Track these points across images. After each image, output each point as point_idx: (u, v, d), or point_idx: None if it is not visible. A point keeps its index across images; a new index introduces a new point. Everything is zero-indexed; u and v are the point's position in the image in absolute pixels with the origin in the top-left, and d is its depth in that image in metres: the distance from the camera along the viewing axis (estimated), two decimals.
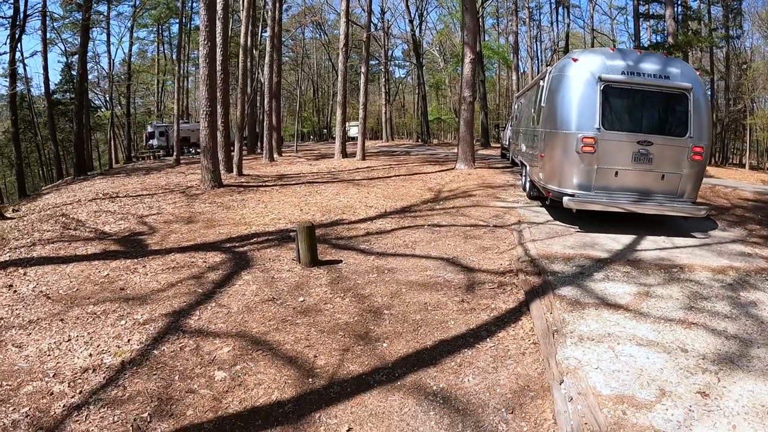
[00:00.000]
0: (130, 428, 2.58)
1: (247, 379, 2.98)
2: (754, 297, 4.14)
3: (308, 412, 2.65)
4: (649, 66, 6.22)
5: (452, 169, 14.17)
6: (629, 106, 6.21)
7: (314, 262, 5.16)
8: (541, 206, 7.98)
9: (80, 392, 2.94)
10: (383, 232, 6.66)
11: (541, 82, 7.88)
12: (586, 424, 2.47)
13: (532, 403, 2.68)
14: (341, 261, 5.35)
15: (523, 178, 9.89)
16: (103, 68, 35.59)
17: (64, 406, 2.81)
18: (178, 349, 3.40)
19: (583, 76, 6.20)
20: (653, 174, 6.17)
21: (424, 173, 13.60)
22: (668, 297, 4.15)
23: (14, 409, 2.77)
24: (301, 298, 4.30)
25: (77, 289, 4.71)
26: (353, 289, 4.50)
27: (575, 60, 6.43)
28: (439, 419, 2.56)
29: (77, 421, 2.67)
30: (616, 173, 6.17)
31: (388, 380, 2.94)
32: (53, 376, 3.14)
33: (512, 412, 2.61)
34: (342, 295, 4.37)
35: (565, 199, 6.11)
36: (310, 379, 2.98)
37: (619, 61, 6.24)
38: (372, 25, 25.70)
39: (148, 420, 2.64)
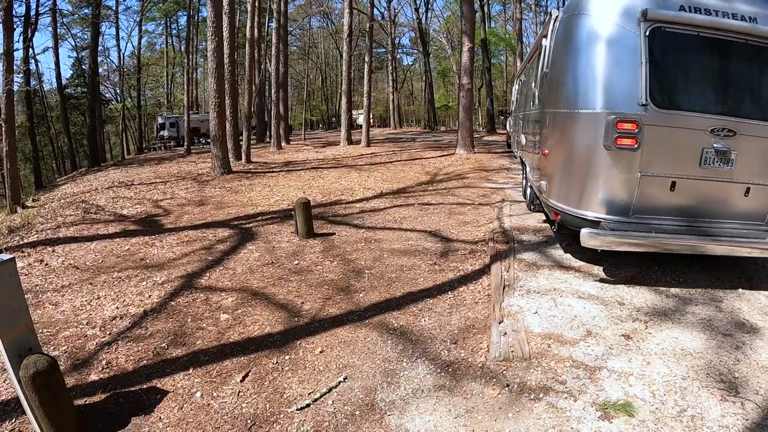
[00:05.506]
0: (151, 354, 3.21)
1: (246, 319, 3.64)
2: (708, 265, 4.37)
3: (292, 340, 3.31)
4: (721, 1, 3.62)
5: (452, 154, 14.67)
6: (696, 67, 3.74)
7: (310, 235, 5.78)
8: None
9: (110, 333, 3.53)
10: (376, 210, 7.26)
11: (544, 41, 5.08)
12: (512, 351, 2.99)
13: (473, 338, 3.26)
14: (335, 234, 5.96)
15: (523, 180, 7.32)
16: (112, 62, 36.54)
17: (96, 343, 3.39)
18: (191, 301, 4.06)
19: (613, 15, 3.69)
20: (732, 186, 3.77)
21: (425, 158, 14.13)
22: (622, 263, 4.49)
23: (54, 348, 3.36)
24: (296, 262, 4.94)
25: (102, 261, 5.31)
26: (341, 255, 5.12)
27: None
28: (395, 345, 3.19)
29: (108, 352, 3.27)
30: (673, 185, 3.76)
31: (358, 319, 3.58)
32: (86, 324, 3.71)
33: (455, 343, 3.20)
34: (331, 259, 5.00)
35: (584, 231, 3.62)
36: (296, 319, 3.63)
37: None
38: (378, 13, 26.05)
39: (166, 348, 3.28)
